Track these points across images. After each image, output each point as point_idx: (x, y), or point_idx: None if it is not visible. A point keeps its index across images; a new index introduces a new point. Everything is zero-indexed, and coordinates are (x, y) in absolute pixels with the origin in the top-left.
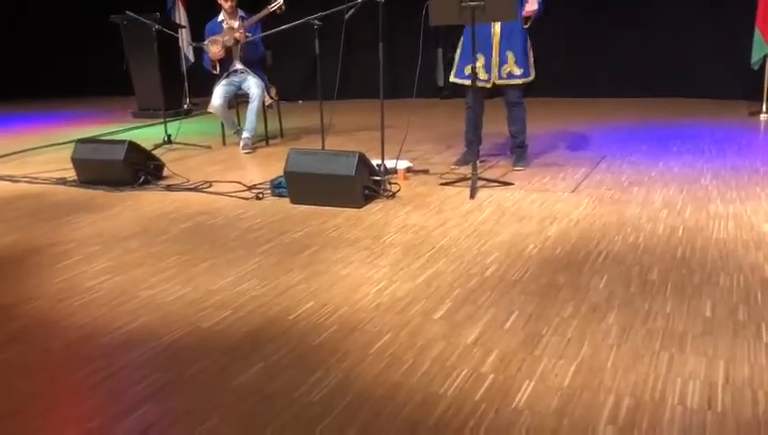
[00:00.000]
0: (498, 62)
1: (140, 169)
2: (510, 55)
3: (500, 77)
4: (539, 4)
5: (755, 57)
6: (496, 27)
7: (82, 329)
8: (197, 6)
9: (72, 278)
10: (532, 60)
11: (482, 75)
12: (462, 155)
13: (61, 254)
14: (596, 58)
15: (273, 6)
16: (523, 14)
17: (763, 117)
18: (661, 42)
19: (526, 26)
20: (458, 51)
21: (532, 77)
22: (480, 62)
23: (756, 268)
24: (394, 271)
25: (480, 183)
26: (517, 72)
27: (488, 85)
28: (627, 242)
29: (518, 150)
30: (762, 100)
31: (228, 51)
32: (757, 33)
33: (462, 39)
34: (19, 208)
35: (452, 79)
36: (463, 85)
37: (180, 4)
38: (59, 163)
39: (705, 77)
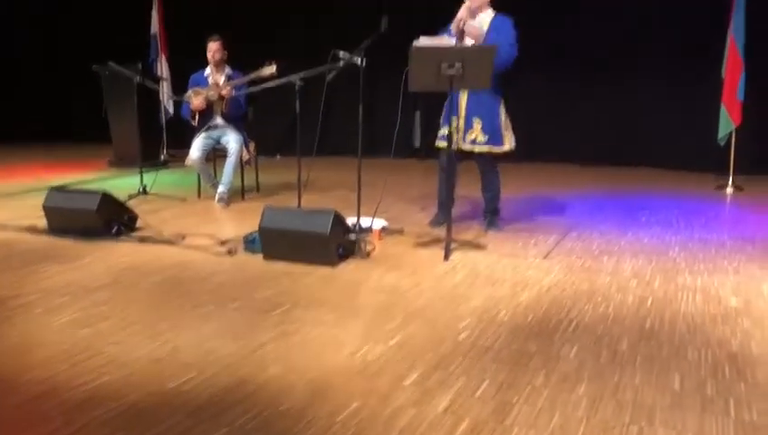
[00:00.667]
0: (464, 128)
1: (114, 219)
2: (476, 121)
3: (464, 142)
4: (503, 55)
5: (722, 133)
6: (464, 92)
7: (42, 385)
8: (180, 59)
9: (34, 332)
10: (506, 129)
11: (455, 137)
12: (435, 216)
13: (24, 305)
14: (566, 125)
15: (265, 72)
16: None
17: (728, 191)
18: (632, 112)
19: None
20: (442, 114)
21: (506, 147)
22: (453, 126)
23: (724, 343)
24: (366, 333)
25: (454, 245)
26: (482, 139)
27: (454, 148)
28: (597, 311)
29: (490, 215)
30: (728, 174)
31: (209, 104)
32: (723, 110)
33: (445, 103)
34: None
35: (436, 143)
36: (441, 149)
37: (163, 56)
38: (30, 210)
39: (674, 149)
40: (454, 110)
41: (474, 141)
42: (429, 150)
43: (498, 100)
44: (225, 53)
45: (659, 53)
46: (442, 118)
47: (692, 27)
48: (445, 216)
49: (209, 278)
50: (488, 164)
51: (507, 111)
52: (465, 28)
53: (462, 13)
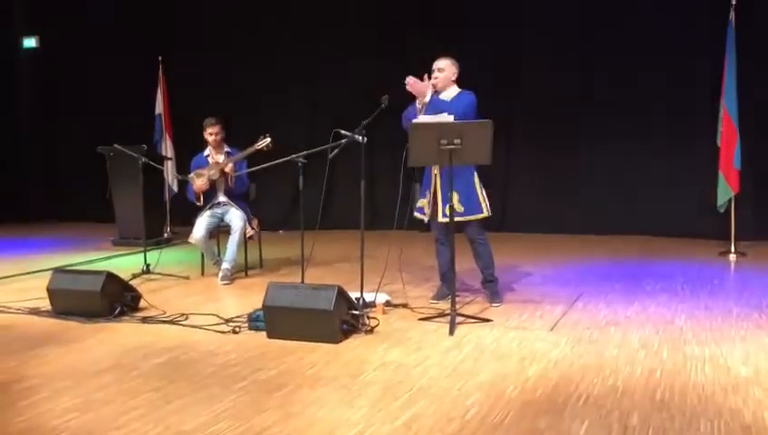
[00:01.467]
0: (440, 200)
1: (117, 300)
2: (453, 194)
3: (444, 215)
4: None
5: (721, 200)
6: (436, 168)
7: None
8: (184, 139)
9: (36, 417)
10: (482, 197)
11: (426, 210)
12: (438, 289)
13: (26, 390)
14: (566, 194)
15: (261, 145)
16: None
17: (732, 257)
18: (632, 180)
19: None
20: (418, 187)
21: (484, 214)
22: (427, 199)
23: (736, 414)
24: (372, 413)
25: (459, 319)
26: (459, 209)
27: (426, 219)
28: (606, 384)
29: (489, 285)
30: (730, 240)
31: (212, 184)
32: (721, 177)
33: (422, 177)
34: None
35: (414, 214)
36: (420, 220)
37: (167, 136)
38: (34, 292)
39: (675, 217)
40: (428, 183)
41: (454, 212)
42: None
43: (472, 171)
44: (223, 133)
45: (656, 122)
46: (419, 190)
47: (687, 95)
48: (448, 289)
49: (213, 359)
50: (474, 233)
51: (481, 180)
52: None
53: (426, 91)
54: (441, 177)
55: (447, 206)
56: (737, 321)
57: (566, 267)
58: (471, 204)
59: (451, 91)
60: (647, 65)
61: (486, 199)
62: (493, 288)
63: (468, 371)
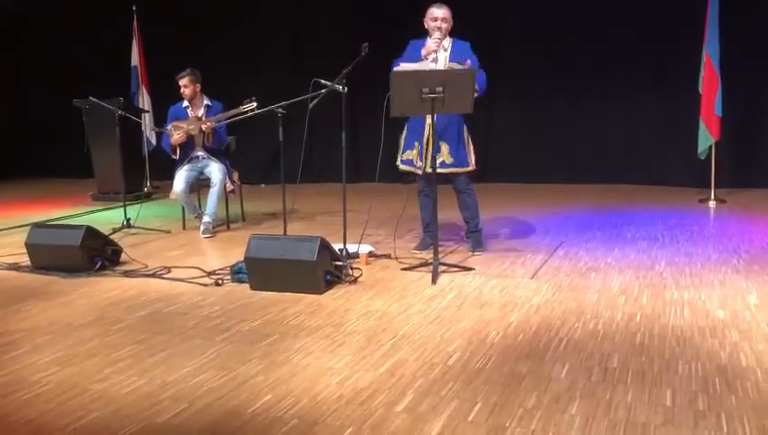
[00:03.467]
0: (431, 152)
1: (97, 254)
2: (443, 146)
3: (432, 166)
4: (479, 84)
5: (701, 147)
6: (428, 118)
7: (28, 425)
8: (161, 91)
9: (19, 371)
10: (470, 150)
11: (416, 162)
12: (421, 239)
13: (8, 344)
14: (549, 145)
15: (246, 108)
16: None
17: (711, 204)
18: (612, 129)
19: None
20: (402, 137)
21: (471, 167)
22: (416, 150)
23: (713, 356)
24: (356, 360)
25: (441, 268)
26: (448, 161)
27: (419, 172)
28: (586, 329)
29: (473, 235)
30: (710, 187)
31: (191, 137)
32: (702, 125)
33: (406, 126)
34: None
35: (398, 165)
36: (407, 172)
37: (144, 89)
38: (12, 248)
39: (656, 164)
40: (419, 135)
41: (443, 164)
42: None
43: (462, 123)
44: (198, 86)
45: (637, 70)
46: (403, 141)
47: (668, 43)
48: (431, 239)
49: (196, 311)
50: (463, 184)
51: (469, 132)
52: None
53: (434, 45)
54: (434, 127)
55: (438, 156)
56: (716, 266)
57: (547, 217)
58: (460, 156)
59: (446, 42)
60: (629, 16)
61: (473, 153)
62: (477, 238)
63: (450, 318)
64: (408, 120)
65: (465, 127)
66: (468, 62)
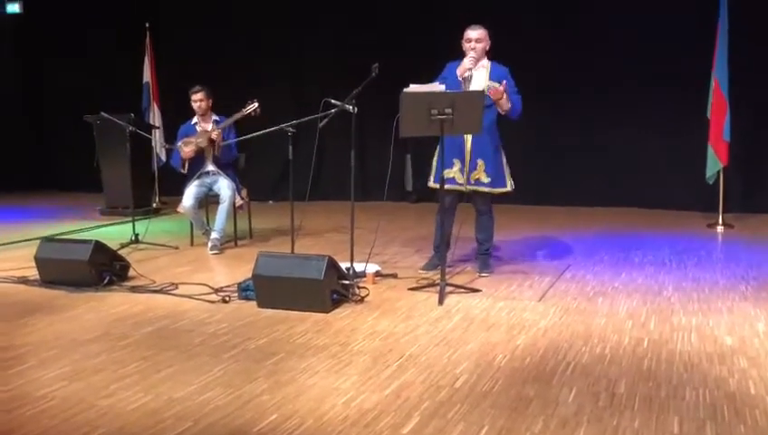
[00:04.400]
0: (468, 169)
1: (106, 269)
2: (480, 163)
3: (469, 183)
4: (515, 107)
5: (710, 172)
6: (468, 135)
7: None
8: (172, 107)
9: (24, 386)
10: (506, 171)
11: (459, 179)
12: (429, 259)
13: (13, 359)
14: (556, 167)
15: (249, 109)
16: (492, 95)
17: (719, 229)
18: (620, 153)
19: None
20: (435, 157)
21: (507, 188)
22: (456, 167)
23: (721, 383)
24: (362, 381)
25: (448, 289)
26: (485, 180)
27: (464, 189)
28: (594, 353)
29: (483, 257)
30: (718, 212)
31: (200, 151)
32: (710, 150)
33: (439, 145)
34: None
35: (430, 184)
36: (443, 191)
37: (155, 105)
38: (21, 261)
39: (664, 189)
40: (458, 152)
41: (478, 182)
42: (422, 194)
43: (499, 142)
44: (210, 101)
45: (645, 95)
46: (437, 160)
47: (677, 69)
48: (439, 259)
49: (203, 328)
50: (486, 205)
51: (505, 153)
52: (490, 93)
53: (470, 63)
54: (472, 145)
55: (473, 173)
56: (724, 292)
57: (554, 239)
58: (497, 176)
59: (484, 63)
60: (637, 37)
61: (509, 174)
62: (486, 260)
63: (457, 340)
64: (439, 139)
65: (501, 148)
66: (504, 82)
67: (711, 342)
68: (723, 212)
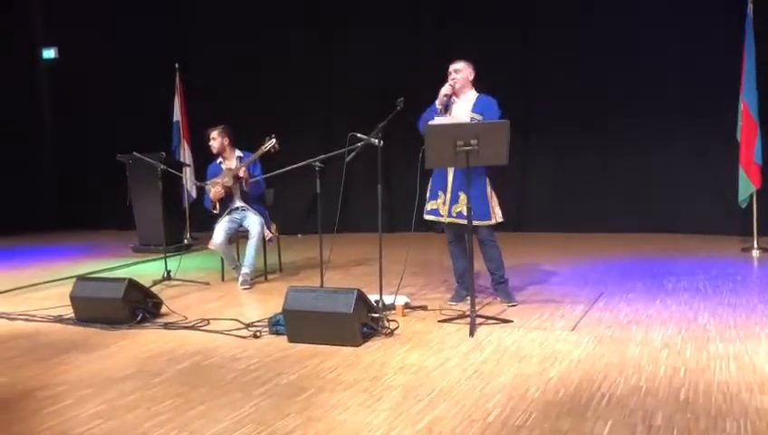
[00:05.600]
0: (450, 201)
1: (139, 306)
2: (461, 196)
3: (449, 215)
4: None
5: (742, 196)
6: (450, 169)
7: None
8: (202, 145)
9: (61, 425)
10: (493, 204)
11: (442, 211)
12: (456, 291)
13: (51, 397)
14: (585, 193)
15: (267, 146)
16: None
17: (755, 253)
18: (651, 178)
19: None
20: (428, 189)
21: (491, 221)
22: (440, 199)
23: (763, 413)
24: (393, 416)
25: (479, 320)
26: (465, 212)
27: (445, 221)
28: (629, 384)
29: (501, 287)
30: (753, 236)
31: (228, 190)
32: (742, 172)
33: (431, 178)
34: (12, 348)
35: (424, 216)
36: (431, 221)
37: (185, 143)
38: (57, 300)
39: (697, 213)
40: (441, 184)
41: (459, 214)
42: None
43: (483, 176)
44: (227, 140)
45: (675, 119)
46: (429, 193)
47: (707, 93)
48: (466, 290)
49: (234, 364)
50: (485, 235)
51: (493, 186)
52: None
53: (446, 90)
54: (454, 178)
55: (454, 205)
56: (762, 317)
57: (586, 267)
58: (480, 209)
59: (470, 95)
60: (665, 62)
61: (497, 206)
62: (505, 289)
63: (489, 372)
64: (432, 171)
65: (487, 180)
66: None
67: (750, 370)
68: (758, 235)
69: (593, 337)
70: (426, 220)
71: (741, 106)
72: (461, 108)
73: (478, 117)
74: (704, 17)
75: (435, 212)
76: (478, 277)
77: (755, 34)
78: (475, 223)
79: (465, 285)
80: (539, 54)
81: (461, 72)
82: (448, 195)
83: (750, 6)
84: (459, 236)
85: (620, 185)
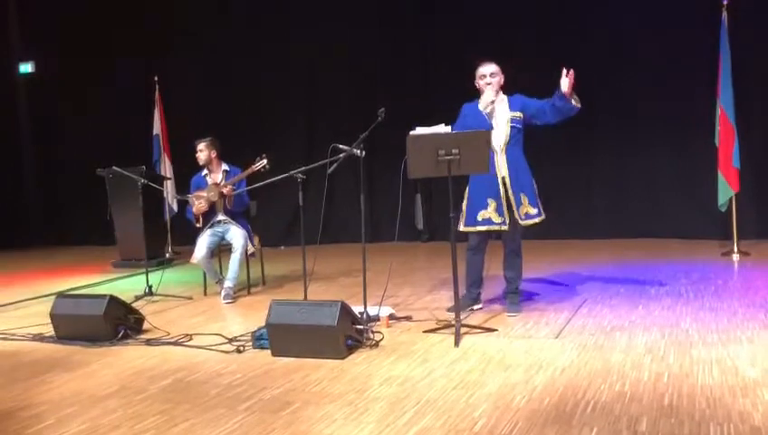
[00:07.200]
0: (515, 205)
1: (121, 323)
2: (523, 196)
3: (521, 218)
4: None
5: (722, 200)
6: (503, 171)
7: None
8: (183, 158)
9: None
10: (539, 199)
11: (496, 219)
12: (463, 299)
13: (32, 417)
14: (567, 199)
15: (258, 166)
16: (565, 91)
17: (735, 257)
18: (631, 184)
19: (571, 104)
20: (465, 200)
21: (543, 216)
22: (492, 206)
23: (746, 417)
24: (380, 428)
25: (464, 330)
26: (532, 211)
27: (505, 227)
28: (613, 390)
29: (512, 296)
30: (733, 240)
31: (212, 205)
32: (721, 177)
33: (468, 188)
34: None
35: (462, 228)
36: (475, 232)
37: (166, 156)
38: (37, 318)
39: (677, 218)
40: (492, 191)
41: (528, 215)
42: (433, 232)
43: (531, 171)
44: (213, 152)
45: (655, 124)
46: (469, 202)
47: (686, 98)
48: (473, 300)
49: (218, 379)
50: (517, 242)
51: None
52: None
53: (492, 95)
54: (511, 179)
55: (521, 207)
56: (743, 321)
57: (569, 273)
58: (537, 206)
59: (500, 97)
60: (641, 67)
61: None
62: (515, 299)
63: (475, 382)
64: (468, 180)
65: (532, 176)
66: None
67: (733, 374)
68: (737, 239)
69: (577, 344)
70: (415, 230)
71: (718, 111)
72: (501, 110)
73: (519, 114)
74: (682, 23)
75: (487, 222)
76: (483, 286)
77: (730, 40)
78: (535, 221)
79: (473, 295)
80: (524, 56)
81: (496, 75)
82: (510, 198)
83: (724, 13)
84: (484, 243)
85: (601, 190)
